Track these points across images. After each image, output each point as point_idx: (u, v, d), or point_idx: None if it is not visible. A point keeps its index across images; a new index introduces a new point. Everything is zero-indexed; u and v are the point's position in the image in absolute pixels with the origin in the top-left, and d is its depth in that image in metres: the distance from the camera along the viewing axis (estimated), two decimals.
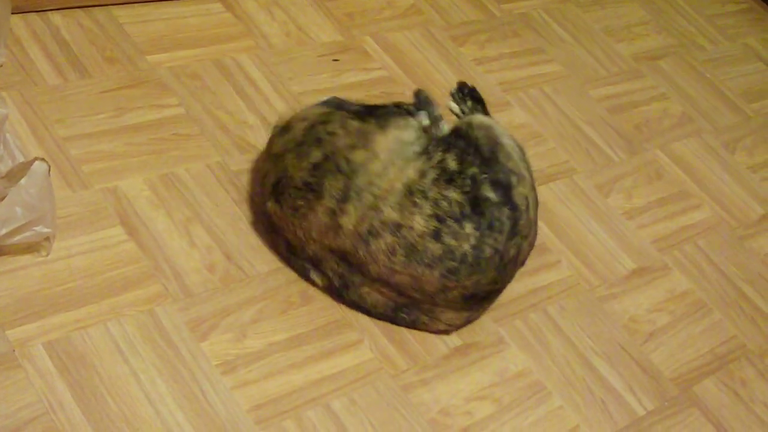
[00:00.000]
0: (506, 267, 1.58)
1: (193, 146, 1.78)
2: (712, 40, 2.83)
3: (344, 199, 1.52)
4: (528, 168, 1.66)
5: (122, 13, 1.97)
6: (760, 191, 2.32)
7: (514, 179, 1.58)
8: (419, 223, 1.51)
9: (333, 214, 1.53)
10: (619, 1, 2.80)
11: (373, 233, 1.51)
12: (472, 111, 1.87)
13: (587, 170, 2.14)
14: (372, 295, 1.58)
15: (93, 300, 1.47)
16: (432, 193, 1.52)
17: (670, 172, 2.25)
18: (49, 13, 1.89)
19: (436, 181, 1.53)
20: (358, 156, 1.55)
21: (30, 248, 1.49)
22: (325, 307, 1.61)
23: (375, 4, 2.32)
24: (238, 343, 1.50)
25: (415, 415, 1.52)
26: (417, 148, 1.59)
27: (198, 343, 1.47)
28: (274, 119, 1.86)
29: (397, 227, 1.51)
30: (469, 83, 1.93)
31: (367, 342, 1.59)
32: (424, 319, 1.60)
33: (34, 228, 1.45)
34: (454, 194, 1.53)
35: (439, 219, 1.51)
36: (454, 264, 1.52)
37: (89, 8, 1.94)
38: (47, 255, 1.49)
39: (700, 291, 1.98)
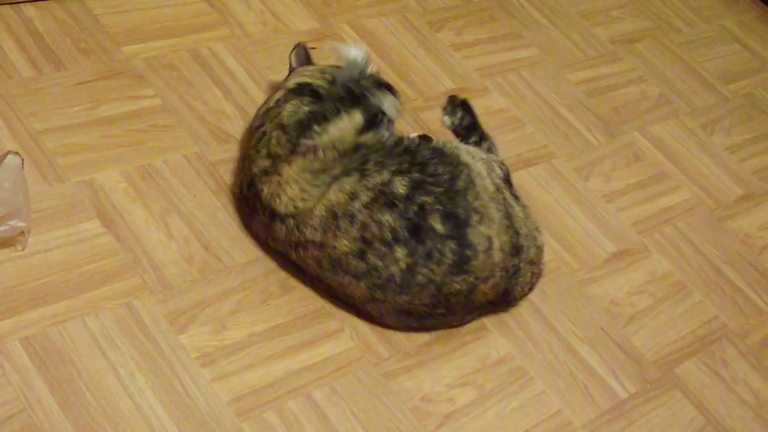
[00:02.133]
0: (449, 299, 1.55)
1: (170, 137, 1.77)
2: (688, 22, 2.84)
3: (271, 219, 1.57)
4: (504, 210, 1.61)
5: (97, 4, 1.95)
6: (738, 172, 2.32)
7: (475, 217, 1.55)
8: (343, 244, 1.51)
9: (266, 226, 1.59)
10: None
11: (300, 245, 1.55)
12: (462, 122, 1.83)
13: (566, 154, 2.14)
14: (318, 285, 1.61)
15: (70, 294, 1.46)
16: (361, 217, 1.51)
17: (649, 154, 2.25)
18: (22, 5, 1.87)
19: (369, 204, 1.51)
20: (265, 190, 1.56)
21: (5, 243, 1.47)
22: (305, 297, 1.61)
23: None
24: (217, 334, 1.49)
25: (398, 403, 1.52)
26: (337, 170, 1.53)
27: (177, 335, 1.47)
28: (251, 108, 1.85)
29: (321, 245, 1.53)
30: (459, 96, 1.89)
31: (347, 331, 1.59)
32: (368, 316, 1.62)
33: (9, 222, 1.44)
34: (388, 218, 1.50)
35: (366, 241, 1.51)
36: (380, 281, 1.52)
37: None
38: (23, 249, 1.48)
39: (681, 273, 1.98)
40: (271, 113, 1.64)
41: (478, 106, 2.13)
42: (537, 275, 1.71)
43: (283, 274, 1.62)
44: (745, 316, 1.95)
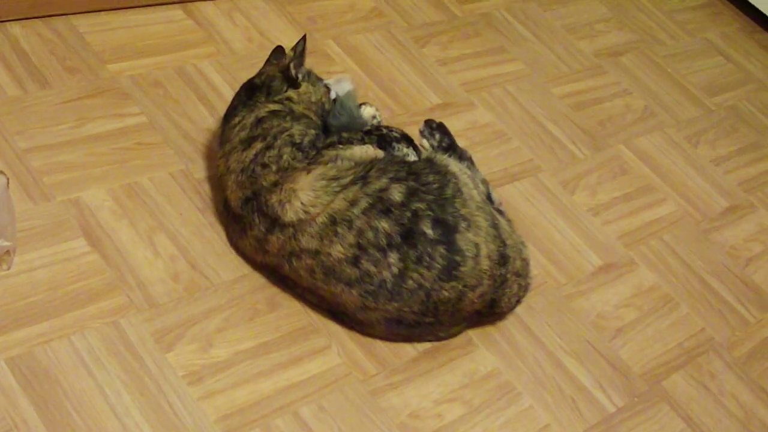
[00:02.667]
0: (438, 307, 1.56)
1: (156, 155, 1.77)
2: (672, 35, 2.85)
3: (269, 231, 1.56)
4: (492, 220, 1.63)
5: (82, 22, 1.95)
6: (723, 184, 2.33)
7: (462, 224, 1.57)
8: (338, 250, 1.52)
9: (259, 241, 1.59)
10: None
11: (294, 255, 1.55)
12: (441, 143, 1.87)
13: (552, 168, 2.15)
14: (306, 296, 1.62)
15: (56, 313, 1.46)
16: (359, 223, 1.52)
17: (634, 167, 2.26)
18: (7, 23, 1.87)
19: (367, 210, 1.52)
20: (274, 198, 1.55)
21: None
22: (292, 314, 1.61)
23: (337, 8, 2.32)
24: (204, 352, 1.49)
25: (385, 420, 1.52)
26: (346, 179, 1.56)
27: (163, 354, 1.46)
28: None
29: (315, 253, 1.53)
30: (436, 120, 1.93)
31: (335, 347, 1.59)
32: (358, 329, 1.62)
33: None
34: (384, 225, 1.52)
35: (361, 247, 1.52)
36: (372, 288, 1.53)
37: (49, 18, 1.92)
38: (8, 269, 1.48)
39: (667, 285, 1.99)
40: (270, 126, 1.63)
41: (464, 121, 2.15)
42: (524, 288, 1.72)
43: (269, 291, 1.62)
44: (732, 328, 1.96)
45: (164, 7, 2.08)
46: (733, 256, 2.14)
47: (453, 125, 2.11)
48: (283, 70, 1.75)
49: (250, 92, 1.73)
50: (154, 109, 1.85)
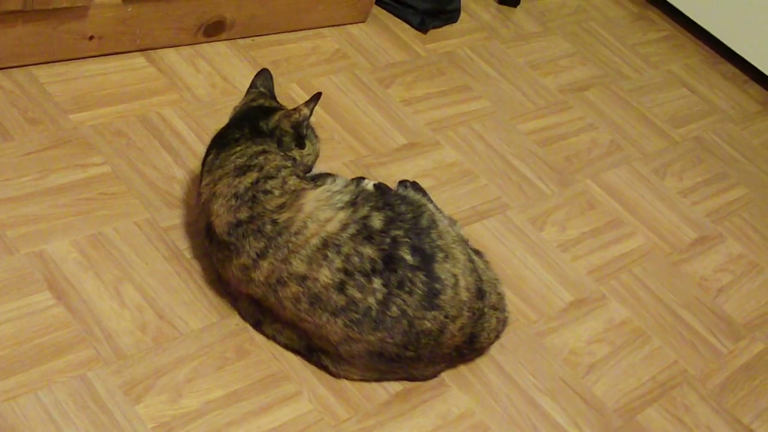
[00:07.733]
0: (419, 338, 1.56)
1: (120, 204, 1.75)
2: (636, 68, 2.87)
3: (262, 256, 1.55)
4: (468, 255, 1.65)
5: (43, 72, 1.94)
6: (691, 215, 2.34)
7: (440, 254, 1.58)
8: (325, 275, 1.52)
9: (246, 269, 1.56)
10: (542, 35, 2.83)
11: (281, 282, 1.54)
12: None
13: (520, 205, 2.15)
14: (285, 333, 1.61)
15: (22, 369, 1.43)
16: (346, 248, 1.53)
17: (602, 201, 2.27)
18: None
19: (354, 236, 1.54)
20: (284, 216, 1.55)
21: None
22: (262, 361, 1.59)
23: (300, 51, 2.32)
24: (174, 403, 1.47)
25: None
26: (346, 197, 1.59)
27: (133, 406, 1.44)
28: None
29: (303, 278, 1.52)
30: (410, 179, 1.97)
31: (306, 393, 1.57)
32: (332, 368, 1.61)
33: None
34: (368, 250, 1.53)
35: (347, 273, 1.52)
36: (357, 316, 1.52)
37: (8, 69, 1.91)
38: None
39: (639, 319, 1.99)
40: (273, 159, 1.62)
41: (430, 160, 2.15)
42: (502, 322, 1.72)
43: (238, 339, 1.60)
44: (705, 359, 1.96)
45: (125, 55, 2.07)
46: (703, 287, 2.14)
47: (419, 165, 2.11)
48: (295, 127, 1.71)
49: (255, 131, 1.69)
50: (118, 158, 1.83)
